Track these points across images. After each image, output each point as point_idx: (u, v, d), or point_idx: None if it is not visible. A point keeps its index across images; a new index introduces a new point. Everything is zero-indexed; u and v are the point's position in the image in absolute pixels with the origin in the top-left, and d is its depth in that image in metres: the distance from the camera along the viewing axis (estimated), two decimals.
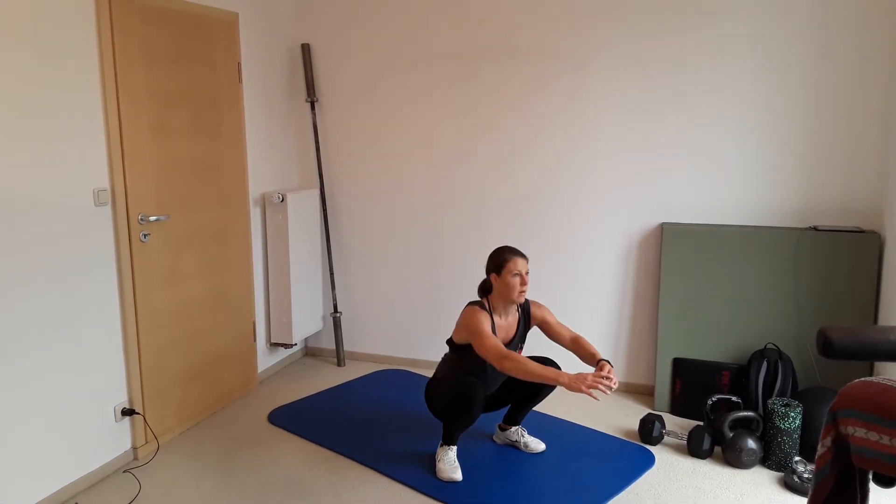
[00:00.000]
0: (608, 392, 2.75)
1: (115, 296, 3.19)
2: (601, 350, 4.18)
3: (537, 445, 3.40)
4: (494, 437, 3.51)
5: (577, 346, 3.14)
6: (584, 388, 2.73)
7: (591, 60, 3.94)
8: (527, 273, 3.09)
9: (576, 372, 3.17)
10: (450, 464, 3.17)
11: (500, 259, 3.09)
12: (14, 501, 2.75)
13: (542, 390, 3.26)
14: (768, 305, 3.66)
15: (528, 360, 2.89)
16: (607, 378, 2.78)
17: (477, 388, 3.04)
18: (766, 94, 3.68)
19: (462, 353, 3.15)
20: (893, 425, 1.69)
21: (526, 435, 3.42)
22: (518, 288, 3.06)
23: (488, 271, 3.15)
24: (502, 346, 2.97)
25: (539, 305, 3.28)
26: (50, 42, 2.79)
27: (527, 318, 3.26)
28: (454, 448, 3.21)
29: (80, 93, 2.94)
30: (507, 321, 3.20)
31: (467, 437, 3.49)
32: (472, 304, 3.17)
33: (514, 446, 3.44)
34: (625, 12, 3.83)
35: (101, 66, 3.04)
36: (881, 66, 3.50)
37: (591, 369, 4.08)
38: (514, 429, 3.43)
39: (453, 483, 3.10)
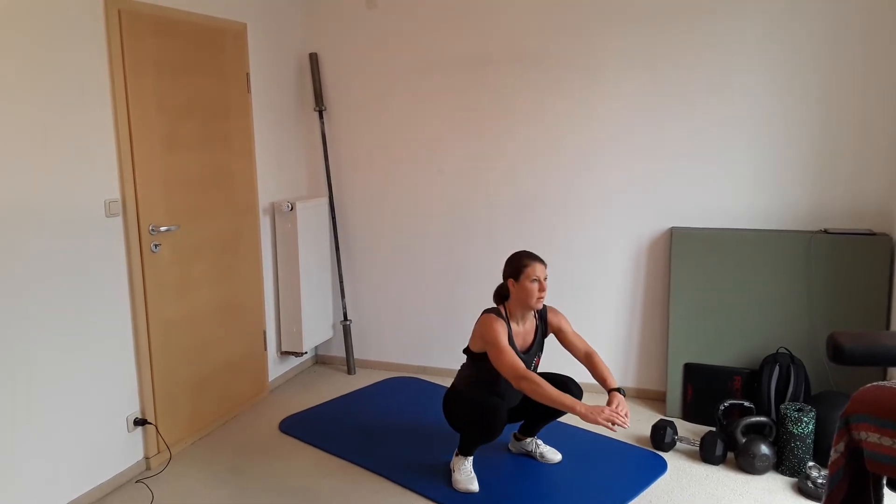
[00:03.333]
0: (625, 426, 2.74)
1: (126, 306, 3.21)
2: (613, 357, 4.16)
3: (553, 455, 3.37)
4: (510, 446, 3.50)
5: (591, 364, 3.12)
6: (600, 420, 2.71)
7: (599, 66, 3.94)
8: (545, 279, 3.04)
9: (593, 402, 3.12)
10: (466, 474, 3.14)
11: (518, 264, 3.04)
12: None
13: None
14: (780, 309, 3.64)
15: (547, 383, 2.82)
16: (622, 415, 2.77)
17: (501, 411, 2.99)
18: (775, 96, 3.67)
19: (480, 364, 3.11)
20: None
21: (542, 445, 3.40)
22: (536, 294, 3.01)
23: (505, 276, 3.10)
24: (521, 363, 2.92)
25: (556, 312, 3.24)
26: (60, 55, 2.82)
27: (544, 324, 3.22)
28: (470, 459, 3.19)
29: (90, 104, 2.97)
30: (525, 328, 3.16)
31: (481, 447, 3.48)
32: (487, 311, 3.13)
33: (529, 456, 3.43)
34: (632, 18, 3.83)
35: (112, 78, 3.07)
36: (891, 68, 3.48)
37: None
38: (529, 440, 3.41)
39: (469, 494, 3.09)
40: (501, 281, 3.15)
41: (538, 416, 3.27)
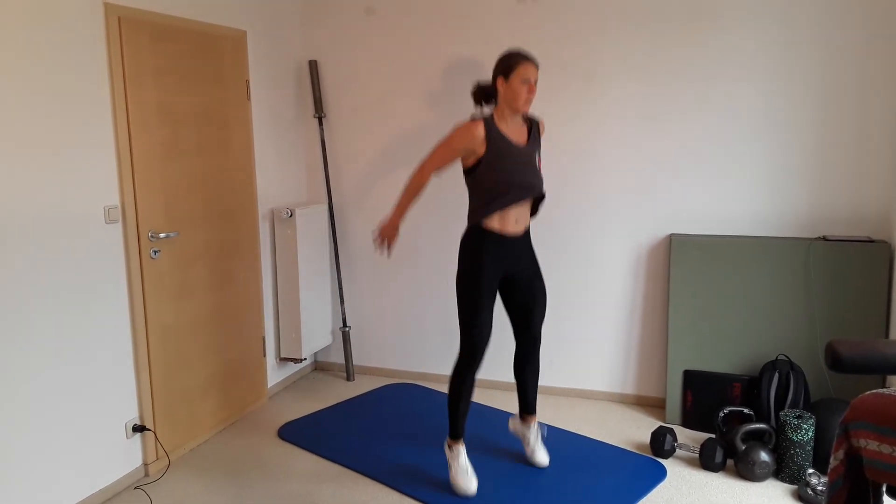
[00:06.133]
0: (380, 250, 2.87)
1: (125, 312, 3.21)
2: (612, 363, 4.16)
3: (542, 458, 3.36)
4: (510, 423, 3.49)
5: None
6: (379, 235, 3.07)
7: (598, 72, 3.95)
8: (535, 82, 2.89)
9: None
10: (462, 471, 3.13)
11: (510, 62, 2.87)
12: None
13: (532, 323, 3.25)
14: (779, 316, 3.64)
15: (414, 187, 3.01)
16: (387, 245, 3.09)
17: (472, 374, 3.08)
18: (773, 103, 3.68)
19: (470, 180, 3.00)
20: None
21: (539, 441, 3.38)
22: (524, 96, 2.87)
23: (495, 74, 2.92)
24: (433, 166, 2.97)
25: (544, 127, 3.19)
26: (60, 61, 2.82)
27: (536, 129, 3.09)
28: (462, 448, 3.17)
29: (90, 111, 2.97)
30: (515, 128, 3.01)
31: (476, 451, 3.48)
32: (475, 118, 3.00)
33: (522, 443, 3.42)
34: (632, 23, 3.85)
35: (112, 85, 3.07)
36: (889, 74, 3.49)
37: None
38: (534, 427, 3.38)
39: (467, 498, 3.08)
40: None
41: (516, 314, 3.24)
